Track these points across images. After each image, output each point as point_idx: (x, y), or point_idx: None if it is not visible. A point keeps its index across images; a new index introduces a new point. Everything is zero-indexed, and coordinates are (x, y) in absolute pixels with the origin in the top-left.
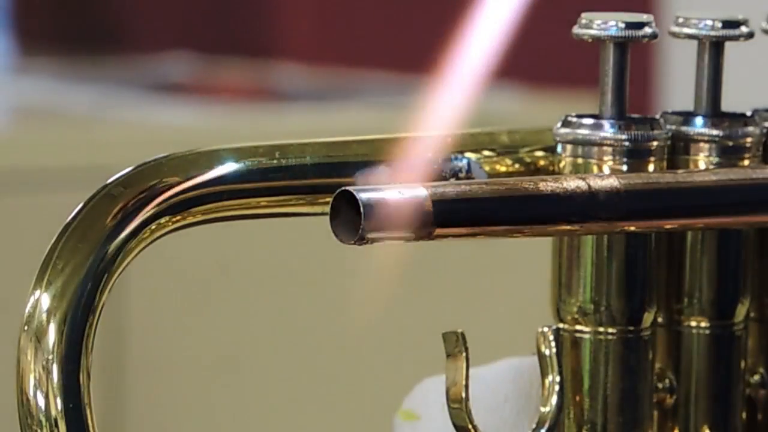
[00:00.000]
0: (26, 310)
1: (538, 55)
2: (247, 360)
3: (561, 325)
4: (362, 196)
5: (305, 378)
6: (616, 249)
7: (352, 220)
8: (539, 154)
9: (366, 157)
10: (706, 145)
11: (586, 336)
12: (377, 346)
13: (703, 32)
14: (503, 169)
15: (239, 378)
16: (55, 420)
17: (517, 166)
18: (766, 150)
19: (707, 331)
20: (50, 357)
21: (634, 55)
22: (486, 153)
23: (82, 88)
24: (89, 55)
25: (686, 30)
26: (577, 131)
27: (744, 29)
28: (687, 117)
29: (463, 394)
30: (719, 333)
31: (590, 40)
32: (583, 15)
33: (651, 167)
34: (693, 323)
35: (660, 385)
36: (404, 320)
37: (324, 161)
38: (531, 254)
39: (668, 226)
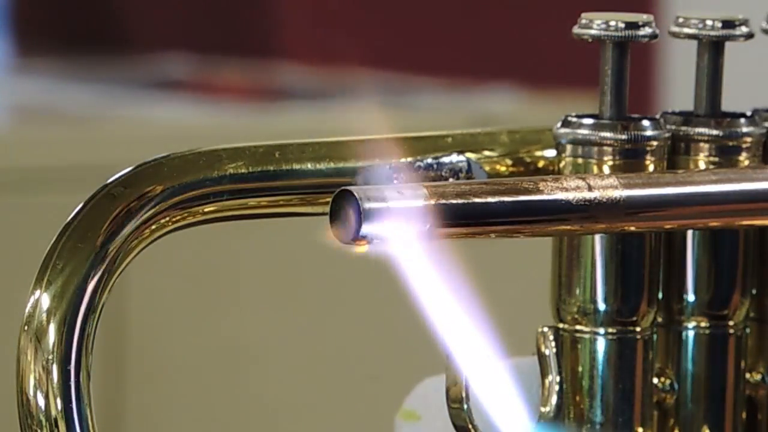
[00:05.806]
0: (26, 310)
1: (538, 55)
2: (248, 360)
3: (561, 325)
4: (362, 196)
5: (305, 378)
6: (616, 249)
7: (352, 220)
8: (539, 154)
9: (366, 157)
10: (706, 145)
11: (586, 336)
12: (377, 346)
13: (703, 32)
14: (503, 169)
15: (239, 378)
16: (55, 420)
17: (517, 166)
18: (766, 150)
19: (707, 331)
20: (50, 357)
21: (634, 55)
22: (486, 153)
23: (82, 88)
24: (88, 54)
25: (686, 30)
26: (577, 131)
27: (744, 29)
28: (687, 117)
29: (463, 394)
30: (719, 333)
31: (590, 40)
32: (583, 15)
33: (651, 167)
34: (693, 323)
35: (660, 385)
36: (404, 320)
37: (324, 161)
38: (531, 254)
39: (668, 226)
